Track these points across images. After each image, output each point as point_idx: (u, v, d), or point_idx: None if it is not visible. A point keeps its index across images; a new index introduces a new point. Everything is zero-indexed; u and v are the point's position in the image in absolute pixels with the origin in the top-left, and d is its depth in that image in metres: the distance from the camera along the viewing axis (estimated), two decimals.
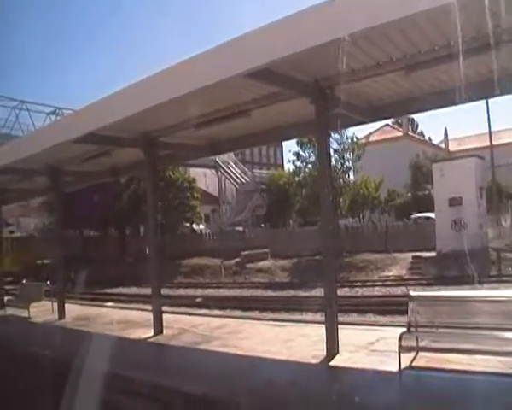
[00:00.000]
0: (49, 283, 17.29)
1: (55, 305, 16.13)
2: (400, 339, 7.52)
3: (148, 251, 13.03)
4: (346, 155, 36.41)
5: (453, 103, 9.43)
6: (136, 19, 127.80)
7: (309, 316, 16.38)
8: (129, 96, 9.75)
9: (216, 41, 7.84)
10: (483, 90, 8.83)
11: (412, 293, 8.29)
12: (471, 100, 9.48)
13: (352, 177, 40.05)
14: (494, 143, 41.79)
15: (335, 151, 35.21)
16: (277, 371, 8.43)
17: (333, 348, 8.78)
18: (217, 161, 50.69)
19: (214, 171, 54.35)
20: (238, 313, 19.16)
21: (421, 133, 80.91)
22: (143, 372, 9.02)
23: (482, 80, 8.44)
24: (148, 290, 14.95)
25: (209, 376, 8.44)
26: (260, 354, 9.37)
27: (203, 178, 55.76)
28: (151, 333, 12.10)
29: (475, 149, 43.92)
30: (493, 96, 9.78)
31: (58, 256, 17.05)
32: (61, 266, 16.65)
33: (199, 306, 22.22)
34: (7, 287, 21.63)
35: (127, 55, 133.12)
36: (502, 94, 8.54)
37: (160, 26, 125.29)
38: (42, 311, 16.48)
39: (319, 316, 14.02)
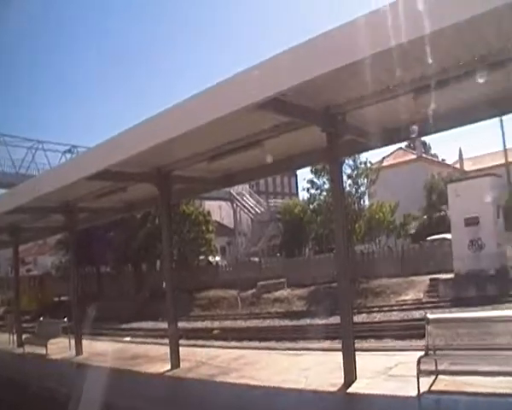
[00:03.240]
0: (66, 320, 17.34)
1: (73, 341, 16.14)
2: (419, 363, 7.39)
3: (164, 286, 13.04)
4: (360, 180, 36.39)
5: (466, 123, 9.44)
6: (148, 57, 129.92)
7: (326, 344, 16.23)
8: (142, 131, 9.86)
9: (229, 72, 7.94)
10: (496, 107, 8.81)
11: (429, 316, 8.17)
12: (484, 118, 9.50)
13: (366, 202, 39.92)
14: (510, 160, 41.55)
15: (349, 177, 35.22)
16: (294, 401, 8.35)
17: (350, 375, 8.68)
18: (231, 193, 50.88)
19: (229, 203, 54.47)
20: (255, 343, 19.01)
21: (435, 155, 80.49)
22: (161, 407, 8.98)
23: (496, 98, 8.44)
24: (165, 325, 14.93)
25: (226, 408, 8.38)
26: (278, 384, 9.30)
27: (218, 210, 55.97)
28: (168, 367, 12.03)
29: (491, 167, 43.63)
30: (507, 113, 9.84)
31: (74, 293, 17.14)
32: (78, 303, 16.72)
33: (216, 338, 22.13)
34: (25, 325, 21.70)
35: (140, 92, 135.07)
36: None
37: (171, 61, 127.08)
38: (59, 348, 16.49)
39: (336, 343, 13.91)
